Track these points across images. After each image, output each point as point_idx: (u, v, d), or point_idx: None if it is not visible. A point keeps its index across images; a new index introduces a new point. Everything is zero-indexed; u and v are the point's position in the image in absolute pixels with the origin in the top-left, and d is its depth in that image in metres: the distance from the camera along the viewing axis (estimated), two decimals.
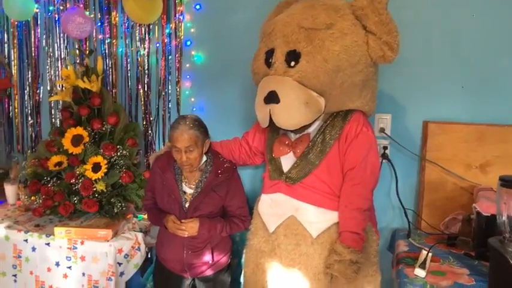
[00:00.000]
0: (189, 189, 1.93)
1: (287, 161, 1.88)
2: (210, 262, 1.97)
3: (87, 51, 2.52)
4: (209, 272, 2.00)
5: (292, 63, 1.74)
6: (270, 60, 1.81)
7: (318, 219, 1.81)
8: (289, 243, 1.83)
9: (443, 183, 2.22)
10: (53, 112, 2.87)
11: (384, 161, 2.27)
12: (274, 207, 1.90)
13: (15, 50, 2.87)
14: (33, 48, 2.84)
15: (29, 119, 2.92)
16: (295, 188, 1.84)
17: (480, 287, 1.63)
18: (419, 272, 1.71)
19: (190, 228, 1.87)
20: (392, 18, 1.74)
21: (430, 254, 1.75)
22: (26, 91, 2.90)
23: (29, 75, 2.88)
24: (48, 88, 2.85)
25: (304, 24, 1.73)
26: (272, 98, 1.72)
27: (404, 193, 2.27)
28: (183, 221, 1.88)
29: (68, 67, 2.56)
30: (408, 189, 2.32)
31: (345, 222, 1.78)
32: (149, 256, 2.48)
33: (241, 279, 2.10)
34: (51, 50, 2.81)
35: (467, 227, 1.99)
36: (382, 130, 2.30)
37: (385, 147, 2.30)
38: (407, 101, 2.30)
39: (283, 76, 1.74)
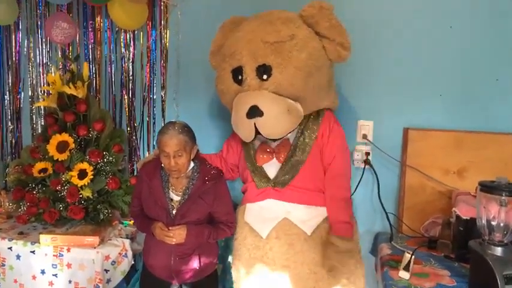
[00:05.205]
0: (176, 196, 1.94)
1: (271, 168, 1.96)
2: (198, 268, 1.98)
3: (73, 57, 2.50)
4: (196, 278, 2.01)
5: (265, 77, 1.80)
6: (240, 78, 1.85)
7: (309, 216, 1.91)
8: (281, 244, 1.88)
9: (422, 187, 2.29)
10: (34, 118, 2.83)
11: (366, 166, 2.35)
12: (264, 214, 1.94)
13: None
14: (14, 53, 2.80)
15: (9, 124, 2.87)
16: (284, 191, 1.92)
17: (461, 287, 1.70)
18: (404, 274, 1.77)
19: (178, 235, 1.87)
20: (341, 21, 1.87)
21: (413, 257, 1.82)
22: (6, 96, 2.85)
23: (9, 80, 2.83)
24: (30, 94, 2.81)
25: (269, 39, 1.79)
26: (255, 112, 1.76)
27: (385, 197, 2.32)
28: (170, 228, 1.88)
29: (54, 73, 2.53)
30: (389, 194, 2.38)
31: (333, 214, 1.91)
32: (133, 263, 2.46)
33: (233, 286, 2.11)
34: (32, 55, 2.77)
35: (447, 230, 2.07)
36: (365, 137, 2.37)
37: (367, 153, 2.36)
38: (388, 108, 2.36)
39: (259, 90, 1.80)
